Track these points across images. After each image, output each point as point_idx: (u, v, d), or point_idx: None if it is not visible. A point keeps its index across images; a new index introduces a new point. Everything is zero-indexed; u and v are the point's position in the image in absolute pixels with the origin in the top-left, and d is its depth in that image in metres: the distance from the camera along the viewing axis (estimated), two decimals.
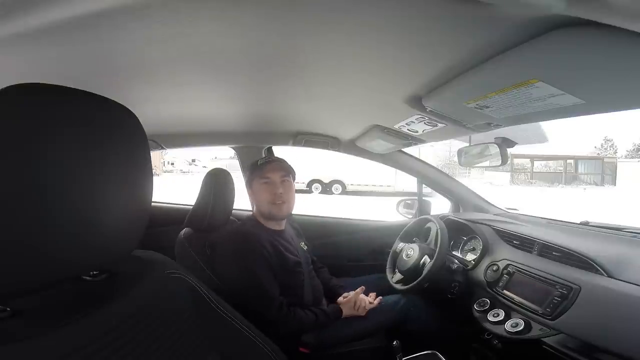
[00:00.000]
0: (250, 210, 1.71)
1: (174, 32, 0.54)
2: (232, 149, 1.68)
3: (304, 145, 1.56)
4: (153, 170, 0.46)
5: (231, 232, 1.12)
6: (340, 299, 1.22)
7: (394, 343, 0.90)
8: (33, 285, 0.34)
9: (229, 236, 1.10)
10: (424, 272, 1.16)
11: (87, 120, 0.37)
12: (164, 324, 0.46)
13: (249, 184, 1.16)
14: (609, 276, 0.79)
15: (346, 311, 1.14)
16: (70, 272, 0.38)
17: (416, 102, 0.83)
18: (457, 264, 1.24)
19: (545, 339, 0.82)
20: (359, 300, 1.17)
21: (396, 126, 1.11)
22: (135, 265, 0.50)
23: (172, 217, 1.50)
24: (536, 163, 18.28)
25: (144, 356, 0.42)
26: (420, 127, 1.04)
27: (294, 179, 1.17)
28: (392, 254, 1.40)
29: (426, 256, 1.20)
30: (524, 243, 1.10)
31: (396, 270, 1.33)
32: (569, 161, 17.41)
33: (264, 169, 1.11)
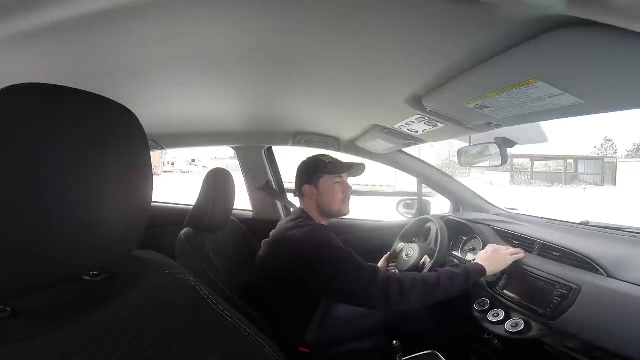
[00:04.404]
0: (249, 210, 1.73)
1: (174, 32, 0.54)
2: (232, 149, 1.68)
3: (303, 145, 1.56)
4: (153, 170, 0.46)
5: (302, 236, 0.96)
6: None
7: (394, 343, 0.90)
8: (33, 285, 0.34)
9: (303, 243, 0.95)
10: (424, 272, 1.16)
11: (87, 120, 0.37)
12: (163, 324, 0.46)
13: (313, 182, 1.08)
14: (609, 276, 0.79)
15: (488, 266, 0.98)
16: (70, 272, 0.38)
17: (416, 102, 0.83)
18: (457, 263, 1.24)
19: (545, 339, 0.83)
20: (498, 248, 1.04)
21: (396, 126, 1.11)
22: (135, 265, 0.50)
23: (172, 217, 1.50)
24: (536, 163, 18.32)
25: (144, 356, 0.42)
26: (420, 127, 1.04)
27: None
28: (392, 254, 1.40)
29: (426, 256, 1.20)
30: (524, 243, 1.10)
31: (396, 270, 1.33)
32: (569, 161, 17.44)
33: (336, 168, 1.10)
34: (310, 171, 1.12)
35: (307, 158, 1.17)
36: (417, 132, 1.10)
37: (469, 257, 1.27)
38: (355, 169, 1.14)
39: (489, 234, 1.24)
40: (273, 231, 1.13)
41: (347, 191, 1.12)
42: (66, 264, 0.36)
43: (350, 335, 1.13)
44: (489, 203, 1.61)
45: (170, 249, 0.97)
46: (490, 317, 0.98)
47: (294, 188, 1.17)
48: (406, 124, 1.05)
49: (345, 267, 0.89)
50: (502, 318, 0.95)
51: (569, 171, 17.08)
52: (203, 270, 1.08)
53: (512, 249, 1.04)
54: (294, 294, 0.99)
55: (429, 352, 0.91)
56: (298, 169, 1.15)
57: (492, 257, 1.01)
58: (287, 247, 0.97)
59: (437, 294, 0.90)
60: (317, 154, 1.17)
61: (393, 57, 0.62)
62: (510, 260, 1.00)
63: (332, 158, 1.13)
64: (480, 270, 0.97)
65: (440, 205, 1.74)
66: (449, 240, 1.25)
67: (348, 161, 1.16)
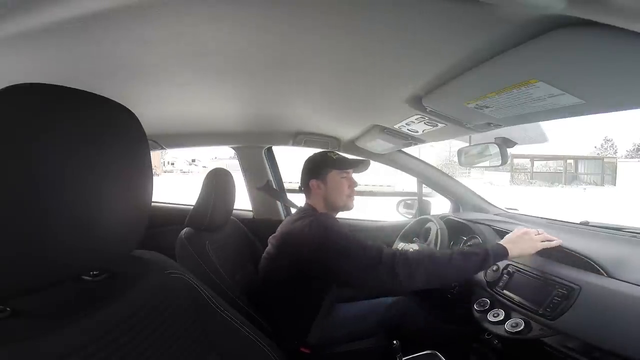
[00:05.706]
0: (249, 210, 1.73)
1: (174, 33, 0.54)
2: (232, 149, 1.68)
3: (303, 145, 1.56)
4: (153, 170, 0.46)
5: (307, 224, 0.96)
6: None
7: (394, 343, 0.90)
8: (33, 286, 0.34)
9: (310, 230, 0.95)
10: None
11: (87, 121, 0.37)
12: (164, 324, 0.46)
13: (320, 176, 1.11)
14: (609, 276, 0.79)
15: (514, 249, 0.92)
16: (70, 272, 0.38)
17: (416, 102, 0.83)
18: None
19: (545, 339, 0.82)
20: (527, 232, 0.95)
21: (396, 126, 1.11)
22: (135, 265, 0.50)
23: (173, 217, 1.50)
24: (536, 163, 18.32)
25: (144, 356, 0.42)
26: (420, 127, 1.04)
27: None
28: None
29: None
30: None
31: None
32: (569, 161, 17.45)
33: (344, 163, 1.13)
34: (318, 166, 1.14)
35: (314, 154, 1.18)
36: (417, 132, 1.10)
37: None
38: (362, 165, 1.17)
39: (489, 234, 1.24)
40: (280, 226, 1.14)
41: (353, 186, 1.15)
42: (66, 264, 0.36)
43: (350, 335, 1.13)
44: (489, 203, 1.61)
45: (170, 249, 0.97)
46: (490, 317, 0.98)
47: (295, 188, 1.17)
48: (406, 124, 1.05)
49: (350, 249, 0.90)
50: (502, 318, 0.95)
51: (569, 171, 17.09)
52: (203, 270, 1.08)
53: (544, 234, 0.96)
54: (298, 291, 1.00)
55: (429, 352, 0.91)
56: (305, 165, 1.17)
57: (518, 240, 0.94)
58: (294, 237, 0.99)
59: (448, 273, 0.88)
60: (323, 150, 1.19)
61: (393, 57, 0.62)
62: (539, 246, 0.93)
63: (338, 154, 1.16)
64: (502, 251, 0.90)
65: (440, 205, 1.74)
66: (449, 240, 1.25)
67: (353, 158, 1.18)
